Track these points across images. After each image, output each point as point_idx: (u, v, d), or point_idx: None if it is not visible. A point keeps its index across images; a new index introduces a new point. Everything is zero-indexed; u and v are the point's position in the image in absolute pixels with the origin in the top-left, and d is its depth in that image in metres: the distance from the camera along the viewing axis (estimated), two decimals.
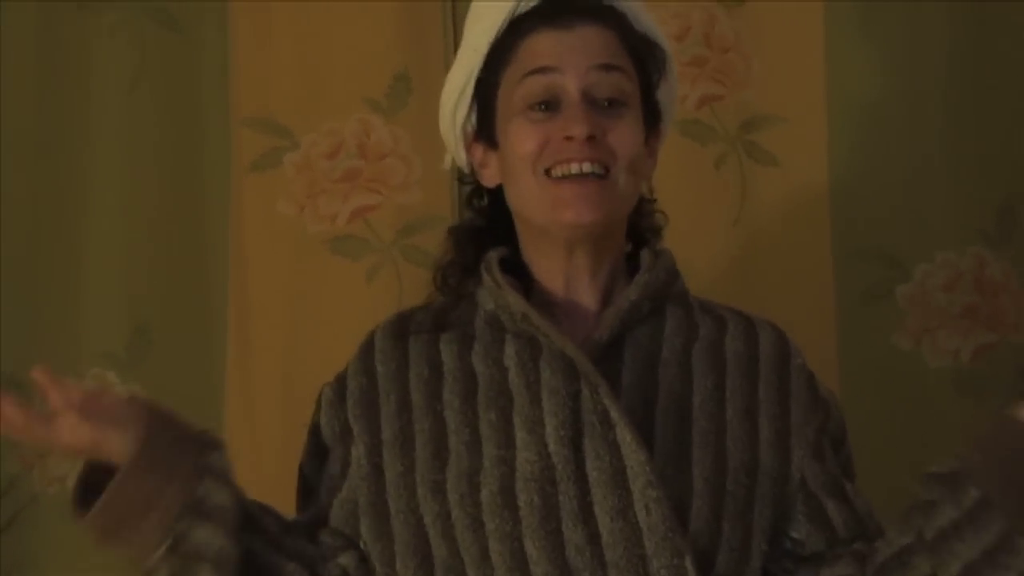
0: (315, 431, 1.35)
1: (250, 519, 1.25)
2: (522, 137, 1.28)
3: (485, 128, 1.36)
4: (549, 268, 1.33)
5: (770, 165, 1.90)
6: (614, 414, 1.21)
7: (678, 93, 1.46)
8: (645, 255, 1.33)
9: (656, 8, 1.81)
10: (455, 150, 1.42)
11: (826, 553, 1.25)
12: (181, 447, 1.19)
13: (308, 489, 1.34)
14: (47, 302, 1.95)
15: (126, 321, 1.94)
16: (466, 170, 1.42)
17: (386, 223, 1.94)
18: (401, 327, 1.37)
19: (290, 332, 1.92)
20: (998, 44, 1.90)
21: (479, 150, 1.37)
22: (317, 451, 1.34)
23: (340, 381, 1.36)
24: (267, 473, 1.85)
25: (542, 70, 1.27)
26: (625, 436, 1.20)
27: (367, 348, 1.36)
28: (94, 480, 1.18)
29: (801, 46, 1.90)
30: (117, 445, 1.15)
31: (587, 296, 1.33)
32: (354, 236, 1.95)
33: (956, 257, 1.87)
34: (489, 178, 1.37)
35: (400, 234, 1.92)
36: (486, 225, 1.40)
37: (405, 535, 1.27)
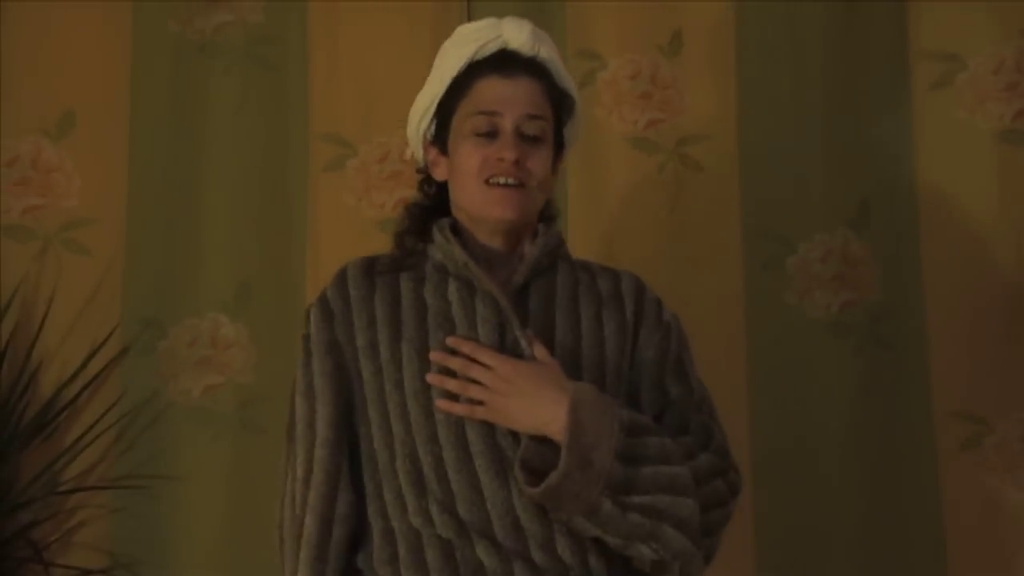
0: (307, 340, 1.51)
1: None
2: (470, 156, 1.49)
3: (440, 138, 1.55)
4: (484, 237, 1.53)
5: (697, 171, 2.22)
6: (521, 338, 1.44)
7: (583, 130, 1.68)
8: (540, 227, 1.55)
9: (616, 56, 2.23)
10: (416, 148, 1.61)
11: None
12: None
13: (308, 384, 1.48)
14: (178, 264, 2.22)
15: (234, 278, 2.22)
16: (421, 163, 1.61)
17: None
18: (368, 266, 1.53)
19: None
20: (863, 97, 2.21)
21: (433, 152, 1.56)
22: (309, 355, 1.49)
23: (324, 303, 1.51)
24: None
25: (489, 112, 1.49)
26: (535, 352, 1.43)
27: (341, 278, 1.52)
28: None
29: (720, 85, 2.23)
30: None
31: (509, 254, 1.54)
32: (396, 219, 2.01)
33: (829, 238, 2.18)
34: (439, 174, 1.57)
35: None
36: (433, 204, 1.59)
37: (376, 419, 1.44)
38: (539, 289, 1.52)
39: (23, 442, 2.13)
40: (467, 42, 1.53)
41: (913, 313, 2.17)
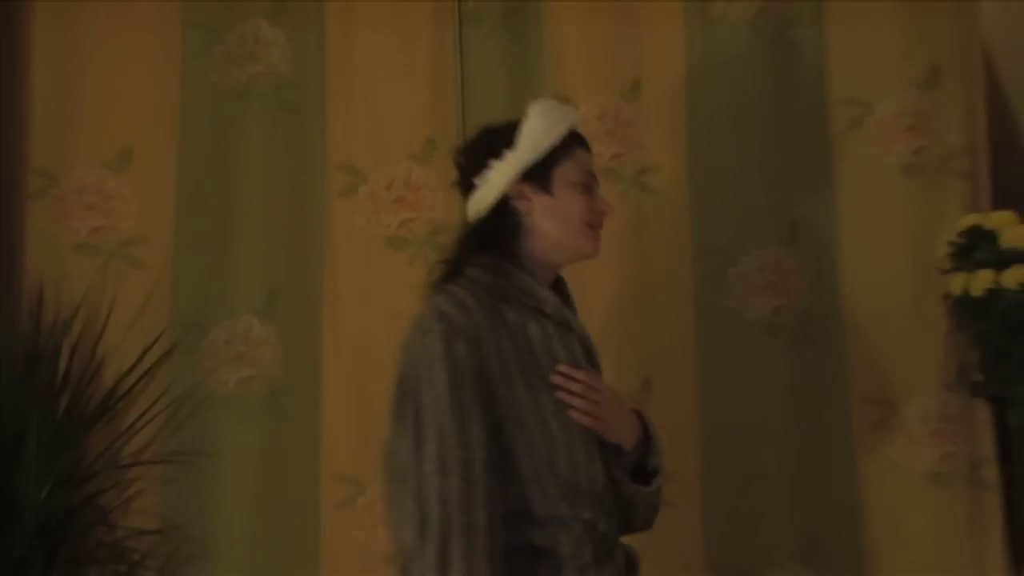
0: (453, 364, 1.59)
1: None
2: (579, 201, 1.75)
3: (539, 178, 1.74)
4: (552, 268, 1.78)
5: (653, 195, 2.47)
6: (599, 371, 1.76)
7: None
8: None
9: (585, 100, 2.47)
10: (499, 177, 1.73)
11: None
12: None
13: (458, 404, 1.58)
14: (217, 275, 2.47)
15: (264, 287, 2.46)
16: (493, 193, 1.73)
17: (421, 229, 2.45)
18: (478, 295, 1.66)
19: (362, 294, 2.41)
20: (791, 136, 2.46)
21: (526, 187, 1.74)
22: (459, 376, 1.59)
23: (462, 330, 1.61)
24: (352, 392, 2.37)
25: (591, 173, 1.79)
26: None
27: (463, 306, 1.64)
28: None
29: (672, 125, 2.48)
30: None
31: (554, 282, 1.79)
32: (401, 237, 2.45)
33: (764, 252, 2.45)
34: (527, 208, 1.74)
35: (429, 236, 2.43)
36: (495, 235, 1.75)
37: (518, 436, 1.62)
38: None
39: (89, 424, 2.39)
40: (564, 116, 1.78)
41: (833, 315, 2.43)
